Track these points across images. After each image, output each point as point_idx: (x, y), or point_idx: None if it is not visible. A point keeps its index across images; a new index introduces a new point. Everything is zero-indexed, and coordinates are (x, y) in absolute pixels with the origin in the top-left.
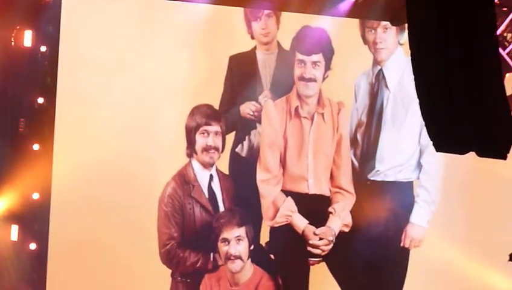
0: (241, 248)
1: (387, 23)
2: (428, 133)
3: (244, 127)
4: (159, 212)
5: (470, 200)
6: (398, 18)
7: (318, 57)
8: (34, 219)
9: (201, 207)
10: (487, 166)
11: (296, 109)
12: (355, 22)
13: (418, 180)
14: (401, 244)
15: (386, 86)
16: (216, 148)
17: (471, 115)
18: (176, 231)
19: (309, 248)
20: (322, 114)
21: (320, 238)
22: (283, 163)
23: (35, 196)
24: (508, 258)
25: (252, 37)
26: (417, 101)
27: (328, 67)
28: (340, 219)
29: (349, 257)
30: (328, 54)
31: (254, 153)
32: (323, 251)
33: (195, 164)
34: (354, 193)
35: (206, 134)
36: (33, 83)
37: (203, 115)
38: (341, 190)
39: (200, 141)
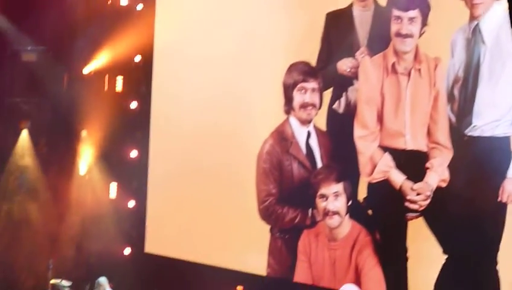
0: (339, 203)
1: None
2: None
3: (341, 83)
4: (257, 169)
5: None
6: None
7: (415, 13)
8: (132, 177)
9: (299, 163)
10: None
11: (393, 65)
12: None
13: None
14: (499, 199)
15: (483, 41)
16: (313, 105)
17: None
18: (274, 187)
19: (406, 203)
20: (419, 70)
21: (418, 194)
22: (380, 119)
23: (133, 154)
24: None
25: None
26: None
27: (424, 23)
28: (437, 174)
29: (446, 212)
30: (425, 9)
31: (351, 110)
32: (420, 206)
33: (293, 121)
34: (451, 148)
35: (303, 91)
36: (130, 41)
37: (300, 72)
38: (438, 145)
39: (298, 97)
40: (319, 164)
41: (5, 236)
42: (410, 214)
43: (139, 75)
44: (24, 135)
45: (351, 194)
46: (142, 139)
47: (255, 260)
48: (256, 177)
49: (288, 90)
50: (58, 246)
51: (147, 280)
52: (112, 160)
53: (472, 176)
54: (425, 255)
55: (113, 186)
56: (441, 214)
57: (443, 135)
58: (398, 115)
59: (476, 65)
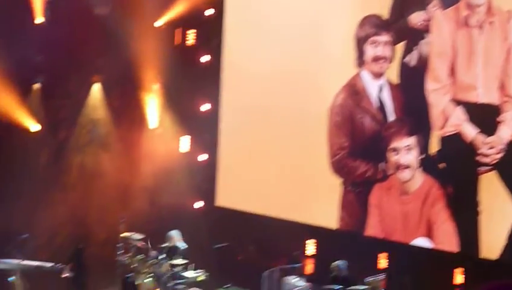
0: (411, 157)
1: None
2: None
3: (413, 37)
4: (329, 123)
5: None
6: None
7: None
8: (204, 130)
9: (370, 117)
10: None
11: (466, 18)
12: None
13: None
14: None
15: None
16: (385, 58)
17: None
18: (346, 140)
19: (478, 157)
20: (492, 23)
21: (490, 147)
22: (452, 72)
23: (205, 107)
24: None
25: None
26: None
27: None
28: (509, 128)
29: None
30: None
31: (423, 63)
32: (492, 160)
33: (365, 74)
34: None
35: (375, 44)
36: None
37: (372, 25)
38: (511, 99)
39: (370, 51)
40: (391, 118)
41: (78, 189)
42: (482, 168)
43: (211, 28)
44: (96, 89)
45: (423, 147)
46: (213, 93)
47: (327, 213)
48: (328, 131)
49: (360, 44)
50: (130, 200)
51: (218, 233)
52: (183, 113)
53: None
54: (498, 209)
55: (185, 140)
56: None
57: None
58: (470, 68)
59: None
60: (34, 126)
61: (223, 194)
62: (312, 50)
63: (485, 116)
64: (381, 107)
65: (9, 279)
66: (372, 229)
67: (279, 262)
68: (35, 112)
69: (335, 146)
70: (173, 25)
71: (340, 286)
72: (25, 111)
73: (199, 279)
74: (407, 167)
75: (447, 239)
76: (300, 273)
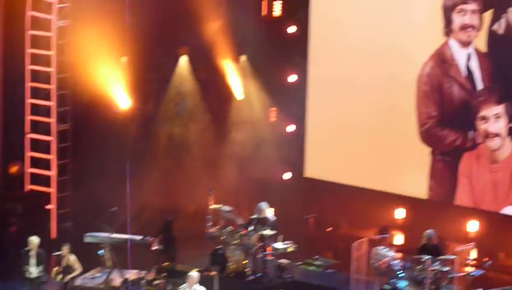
0: (500, 125)
1: None
2: None
3: (500, 4)
4: (417, 92)
5: None
6: None
7: None
8: (291, 101)
9: (459, 86)
10: None
11: None
12: None
13: None
14: None
15: None
16: (473, 27)
17: None
18: (435, 109)
19: None
20: None
21: None
22: None
23: (292, 78)
24: None
25: None
26: None
27: None
28: None
29: None
30: None
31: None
32: None
33: (453, 43)
34: None
35: (463, 12)
36: None
37: None
38: None
39: (457, 19)
40: (479, 86)
41: (166, 162)
42: None
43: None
44: (183, 62)
45: None
46: (300, 64)
47: (416, 183)
48: (416, 100)
49: (447, 13)
50: (218, 172)
51: (307, 205)
52: (270, 84)
53: None
54: None
55: (273, 111)
56: None
57: None
58: None
59: None
60: (122, 101)
61: (311, 165)
62: (399, 19)
63: None
64: (470, 76)
65: (99, 252)
66: (462, 198)
67: (368, 233)
68: (123, 87)
69: (424, 115)
70: None
71: (430, 256)
72: (113, 86)
73: (288, 250)
74: (496, 135)
75: None
76: (389, 243)
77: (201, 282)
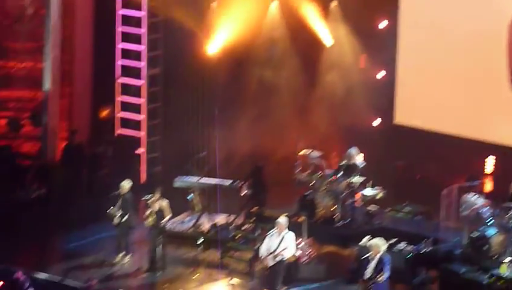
0: None
1: None
2: None
3: None
4: (508, 39)
5: None
6: None
7: None
8: (382, 48)
9: None
10: None
11: None
12: None
13: None
14: None
15: None
16: None
17: None
18: None
19: None
20: None
21: None
22: None
23: (383, 24)
24: None
25: None
26: None
27: None
28: None
29: None
30: None
31: None
32: None
33: None
34: None
35: None
36: None
37: None
38: None
39: None
40: None
41: (256, 107)
42: None
43: None
44: (274, 7)
45: None
46: (391, 9)
47: (507, 130)
48: (507, 47)
49: None
50: (308, 117)
51: (396, 151)
52: (361, 30)
53: None
54: None
55: (363, 57)
56: None
57: None
58: None
59: None
60: (212, 45)
61: (401, 111)
62: None
63: None
64: None
65: (189, 197)
66: None
67: (458, 180)
68: (213, 32)
69: None
70: None
71: None
72: (204, 31)
73: (377, 197)
74: None
75: None
76: (479, 191)
77: (290, 227)
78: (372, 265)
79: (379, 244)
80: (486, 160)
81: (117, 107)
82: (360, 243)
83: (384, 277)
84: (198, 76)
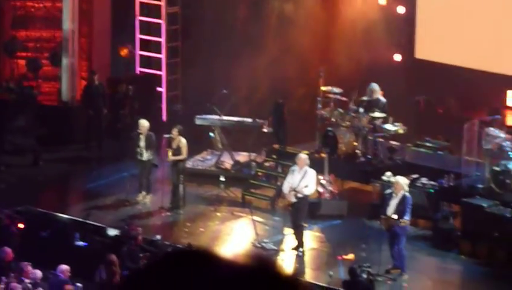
0: None
1: None
2: None
3: None
4: None
5: None
6: None
7: None
8: None
9: None
10: None
11: None
12: None
13: None
14: None
15: None
16: None
17: None
18: None
19: None
20: None
21: None
22: None
23: None
24: None
25: None
26: None
27: None
28: None
29: None
30: None
31: None
32: None
33: None
34: None
35: None
36: None
37: None
38: None
39: None
40: None
41: (277, 42)
42: None
43: None
44: None
45: None
46: None
47: None
48: None
49: None
50: (329, 53)
51: (417, 86)
52: None
53: None
54: None
55: None
56: None
57: None
58: None
59: None
60: None
61: (422, 46)
62: None
63: None
64: None
65: (210, 134)
66: None
67: (479, 114)
68: None
69: None
70: None
71: None
72: None
73: (399, 132)
74: None
75: None
76: (500, 124)
77: (311, 164)
78: (394, 202)
79: (402, 183)
80: (508, 94)
81: (137, 46)
82: (382, 179)
83: (406, 219)
84: (218, 13)
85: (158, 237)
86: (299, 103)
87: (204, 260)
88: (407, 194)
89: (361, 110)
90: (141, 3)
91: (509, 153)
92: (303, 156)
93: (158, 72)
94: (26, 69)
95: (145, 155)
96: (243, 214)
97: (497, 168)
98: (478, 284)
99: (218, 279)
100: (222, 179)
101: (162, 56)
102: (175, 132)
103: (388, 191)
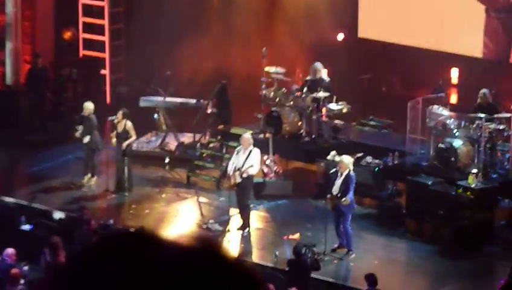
0: None
1: None
2: None
3: None
4: None
5: None
6: None
7: None
8: None
9: None
10: None
11: None
12: None
13: None
14: None
15: None
16: None
17: None
18: None
19: None
20: None
21: None
22: None
23: None
24: None
25: None
26: None
27: None
28: None
29: None
30: None
31: None
32: None
33: None
34: None
35: None
36: None
37: None
38: None
39: None
40: None
41: (219, 24)
42: None
43: None
44: None
45: None
46: None
47: (470, 42)
48: None
49: None
50: (272, 32)
51: (361, 65)
52: None
53: None
54: None
55: None
56: None
57: None
58: None
59: None
60: None
61: (365, 25)
62: None
63: None
64: None
65: (154, 116)
66: None
67: (422, 92)
68: None
69: None
70: None
71: (484, 114)
72: None
73: (343, 111)
74: None
75: None
76: (444, 102)
77: (256, 144)
78: (339, 182)
79: (347, 162)
80: (450, 72)
81: (80, 29)
82: (326, 158)
83: (348, 198)
84: None
85: (111, 221)
86: (243, 84)
87: (147, 242)
88: (352, 173)
89: (305, 89)
90: None
91: (454, 130)
92: (247, 136)
93: (102, 55)
94: None
95: (89, 138)
96: (188, 195)
97: (442, 146)
98: (424, 261)
99: (160, 261)
100: (167, 160)
101: (106, 38)
102: (120, 114)
103: (333, 170)
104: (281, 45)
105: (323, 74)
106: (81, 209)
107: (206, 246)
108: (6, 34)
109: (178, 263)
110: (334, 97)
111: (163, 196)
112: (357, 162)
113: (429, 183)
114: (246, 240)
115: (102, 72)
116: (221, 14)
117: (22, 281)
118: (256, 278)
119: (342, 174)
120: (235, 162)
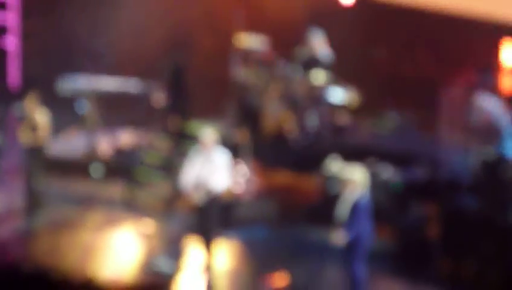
0: None
1: None
2: None
3: None
4: None
5: None
6: None
7: None
8: None
9: None
10: None
11: None
12: None
13: None
14: None
15: None
16: None
17: None
18: None
19: None
20: None
21: None
22: None
23: None
24: None
25: None
26: None
27: None
28: None
29: None
30: None
31: None
32: None
33: None
34: None
35: None
36: None
37: None
38: None
39: None
40: None
41: None
42: None
43: None
44: None
45: None
46: None
47: None
48: None
49: None
50: None
51: (376, 36)
52: None
53: None
54: None
55: None
56: None
57: None
58: None
59: None
60: None
61: None
62: None
63: None
64: None
65: (79, 107)
66: None
67: (463, 76)
68: None
69: None
70: None
71: None
72: None
73: (350, 101)
74: None
75: None
76: (493, 91)
77: (225, 147)
78: (346, 204)
79: (357, 174)
80: (500, 45)
81: None
82: (327, 170)
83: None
84: None
85: None
86: (206, 62)
87: None
88: (362, 193)
89: (296, 70)
90: None
91: (507, 132)
92: (209, 134)
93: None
94: None
95: None
96: (125, 220)
97: (489, 153)
98: None
99: None
100: (97, 169)
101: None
102: (30, 103)
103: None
104: (261, 7)
105: (323, 47)
106: None
107: None
108: None
109: None
110: (339, 81)
111: (91, 220)
112: (370, 175)
113: (472, 206)
114: (209, 285)
115: (7, 49)
116: None
117: None
118: None
119: (349, 194)
120: (193, 172)
